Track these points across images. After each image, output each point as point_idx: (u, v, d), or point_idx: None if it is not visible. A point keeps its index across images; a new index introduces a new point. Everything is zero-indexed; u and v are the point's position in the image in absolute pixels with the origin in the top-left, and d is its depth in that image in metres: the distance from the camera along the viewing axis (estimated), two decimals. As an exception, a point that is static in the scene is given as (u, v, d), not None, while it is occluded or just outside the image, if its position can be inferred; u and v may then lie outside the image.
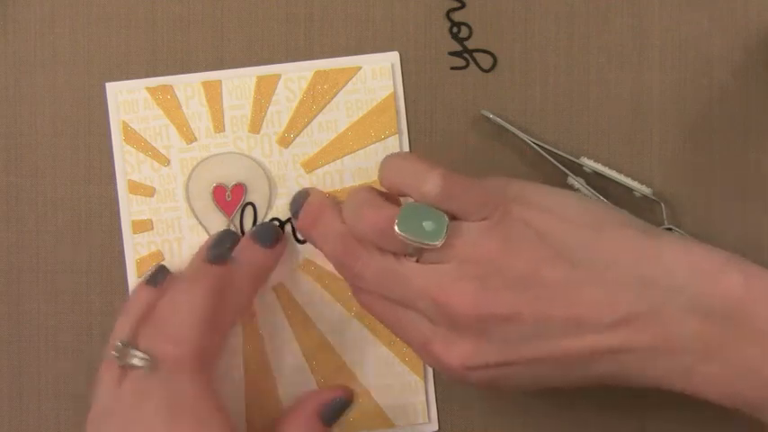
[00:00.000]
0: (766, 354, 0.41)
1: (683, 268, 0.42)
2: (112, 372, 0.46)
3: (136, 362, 0.46)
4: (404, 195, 0.46)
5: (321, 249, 0.47)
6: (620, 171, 0.51)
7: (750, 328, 0.41)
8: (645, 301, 0.42)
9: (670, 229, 0.50)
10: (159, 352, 0.46)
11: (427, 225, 0.43)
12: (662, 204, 0.51)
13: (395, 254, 0.44)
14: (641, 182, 0.51)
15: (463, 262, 0.43)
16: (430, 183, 0.44)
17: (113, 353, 0.46)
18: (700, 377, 0.42)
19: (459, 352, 0.43)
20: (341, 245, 0.45)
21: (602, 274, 0.42)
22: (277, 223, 0.51)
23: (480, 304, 0.42)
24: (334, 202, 0.48)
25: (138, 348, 0.46)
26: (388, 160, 0.46)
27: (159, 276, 0.49)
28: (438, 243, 0.43)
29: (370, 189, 0.47)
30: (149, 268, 0.50)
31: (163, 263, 0.51)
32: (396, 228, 0.43)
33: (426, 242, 0.43)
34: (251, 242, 0.50)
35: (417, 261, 0.44)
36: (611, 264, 0.42)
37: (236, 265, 0.49)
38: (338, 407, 0.50)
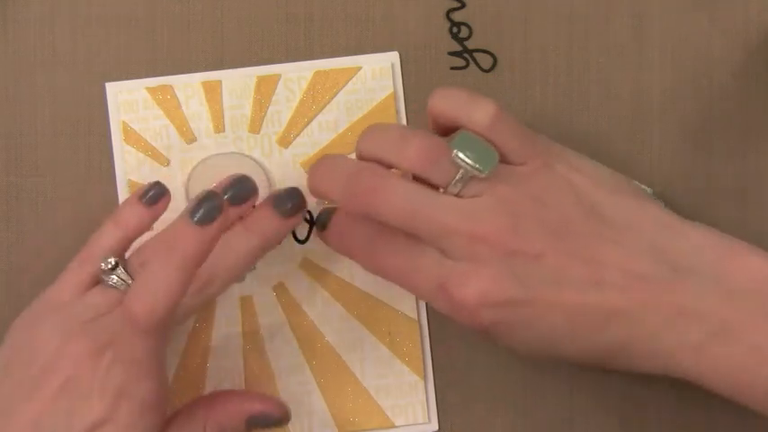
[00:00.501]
0: None
1: (708, 249, 0.44)
2: (81, 275, 0.46)
3: (115, 281, 0.45)
4: (450, 126, 0.46)
5: (331, 195, 0.45)
6: (620, 171, 0.51)
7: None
8: (668, 270, 0.43)
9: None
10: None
11: (481, 151, 0.44)
12: (662, 204, 0.51)
13: (432, 186, 0.44)
14: (641, 182, 0.50)
15: (501, 199, 0.44)
16: (483, 108, 0.44)
17: (102, 265, 0.45)
18: (709, 357, 0.42)
19: (477, 286, 0.43)
20: (355, 179, 0.44)
21: (629, 238, 0.44)
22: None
23: (513, 239, 0.43)
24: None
25: (126, 270, 0.45)
26: (439, 90, 0.46)
27: (154, 196, 0.47)
28: (489, 171, 0.44)
29: (398, 125, 0.47)
30: (145, 185, 0.48)
31: (160, 180, 0.48)
32: (453, 150, 0.43)
33: (480, 167, 0.43)
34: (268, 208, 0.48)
35: (458, 194, 0.44)
36: (638, 230, 0.44)
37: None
38: (268, 423, 0.47)
